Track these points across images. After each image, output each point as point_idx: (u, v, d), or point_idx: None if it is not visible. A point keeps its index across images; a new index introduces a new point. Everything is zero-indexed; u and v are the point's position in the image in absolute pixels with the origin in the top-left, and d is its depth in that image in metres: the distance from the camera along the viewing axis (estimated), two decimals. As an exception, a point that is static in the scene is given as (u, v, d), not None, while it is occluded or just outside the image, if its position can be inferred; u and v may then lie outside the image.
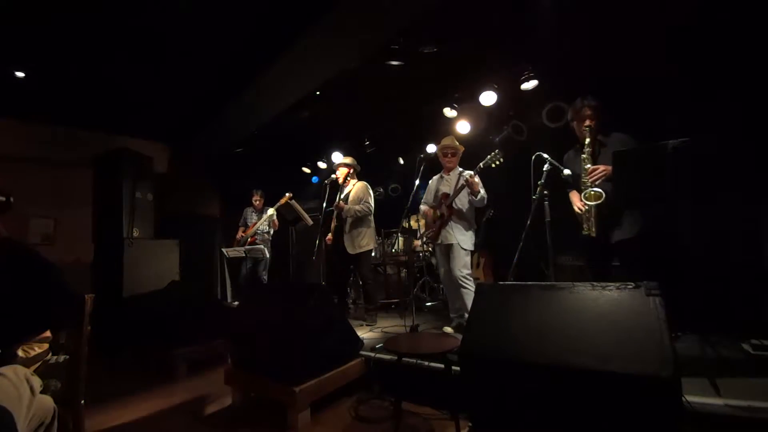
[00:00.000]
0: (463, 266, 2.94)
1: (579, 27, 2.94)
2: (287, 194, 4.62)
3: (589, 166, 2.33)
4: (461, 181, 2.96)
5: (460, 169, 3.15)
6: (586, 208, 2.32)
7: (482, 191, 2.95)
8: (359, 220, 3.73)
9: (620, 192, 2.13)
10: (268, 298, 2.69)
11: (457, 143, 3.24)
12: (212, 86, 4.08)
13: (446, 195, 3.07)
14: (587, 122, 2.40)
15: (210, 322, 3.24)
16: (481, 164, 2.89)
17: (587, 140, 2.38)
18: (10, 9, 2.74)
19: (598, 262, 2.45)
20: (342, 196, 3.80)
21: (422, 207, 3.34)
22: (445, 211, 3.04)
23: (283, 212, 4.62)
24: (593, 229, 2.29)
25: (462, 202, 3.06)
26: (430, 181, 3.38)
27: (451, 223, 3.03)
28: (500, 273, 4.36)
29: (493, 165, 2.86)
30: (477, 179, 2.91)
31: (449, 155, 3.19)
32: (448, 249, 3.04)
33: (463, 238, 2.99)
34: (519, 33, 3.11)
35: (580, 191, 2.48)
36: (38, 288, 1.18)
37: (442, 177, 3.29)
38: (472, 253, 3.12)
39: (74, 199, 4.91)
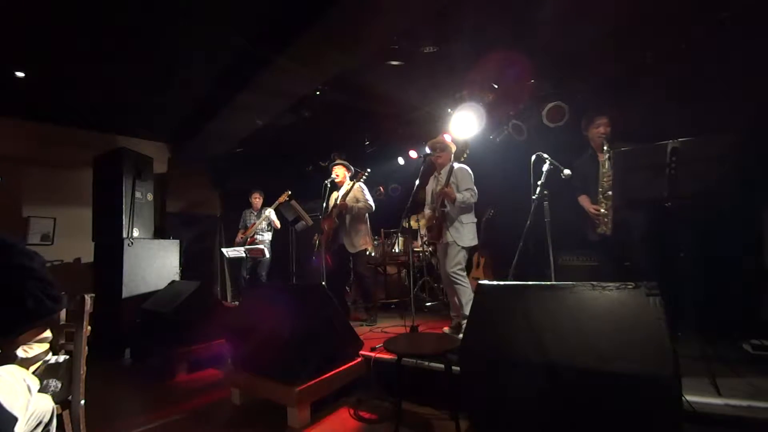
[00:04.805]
0: (455, 263, 2.92)
1: (579, 26, 2.94)
2: (286, 192, 4.63)
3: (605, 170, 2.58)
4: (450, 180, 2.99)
5: (452, 164, 3.08)
6: (602, 210, 2.53)
7: (459, 196, 2.91)
8: (358, 220, 3.76)
9: (620, 192, 2.13)
10: (268, 299, 2.69)
11: (445, 140, 3.23)
12: (212, 86, 4.08)
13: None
14: (601, 129, 2.62)
15: (210, 322, 3.24)
16: (451, 164, 3.02)
17: (605, 147, 2.56)
18: (10, 9, 2.74)
19: (613, 260, 2.60)
20: (339, 196, 3.81)
21: (426, 210, 3.34)
22: (439, 211, 3.02)
23: (283, 212, 4.63)
24: (609, 227, 2.51)
25: None
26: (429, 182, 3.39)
27: (448, 222, 3.01)
28: (500, 273, 4.36)
29: (461, 159, 3.05)
30: (457, 174, 3.00)
31: (437, 153, 3.19)
32: (446, 247, 3.03)
33: (458, 236, 2.96)
34: (519, 32, 3.11)
35: (590, 194, 2.66)
36: (19, 278, 1.13)
37: (436, 177, 3.28)
38: (473, 251, 3.10)
39: (74, 199, 4.92)
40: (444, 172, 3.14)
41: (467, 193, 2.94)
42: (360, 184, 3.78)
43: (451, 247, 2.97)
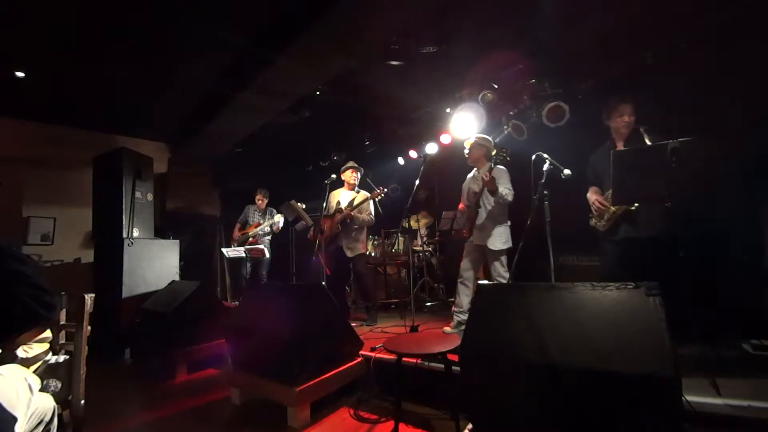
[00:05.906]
0: (495, 270, 2.93)
1: (579, 26, 2.94)
2: (292, 201, 4.61)
3: None
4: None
5: (491, 164, 2.94)
6: (611, 207, 2.42)
7: (501, 189, 2.84)
8: (359, 229, 3.83)
9: (619, 192, 2.13)
10: (268, 299, 2.69)
11: (472, 139, 3.21)
12: (212, 86, 4.08)
13: (475, 193, 3.03)
14: (626, 118, 2.47)
15: (210, 322, 3.24)
16: (491, 163, 2.88)
17: (626, 137, 2.46)
18: (10, 9, 2.74)
19: (616, 259, 2.51)
20: (345, 203, 3.82)
21: (461, 205, 3.32)
22: (473, 210, 2.98)
23: (283, 212, 4.63)
24: (605, 224, 2.43)
25: (489, 200, 2.98)
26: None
27: (482, 223, 2.98)
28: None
29: (506, 161, 2.87)
30: (494, 174, 2.85)
31: (466, 153, 3.21)
32: (478, 249, 3.01)
33: (491, 240, 2.93)
34: (519, 32, 3.11)
35: (603, 188, 2.54)
36: (11, 283, 1.09)
37: (474, 176, 3.26)
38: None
39: (74, 199, 4.92)
40: (483, 170, 3.06)
41: (506, 189, 2.89)
42: (366, 193, 3.83)
43: (490, 254, 2.94)
